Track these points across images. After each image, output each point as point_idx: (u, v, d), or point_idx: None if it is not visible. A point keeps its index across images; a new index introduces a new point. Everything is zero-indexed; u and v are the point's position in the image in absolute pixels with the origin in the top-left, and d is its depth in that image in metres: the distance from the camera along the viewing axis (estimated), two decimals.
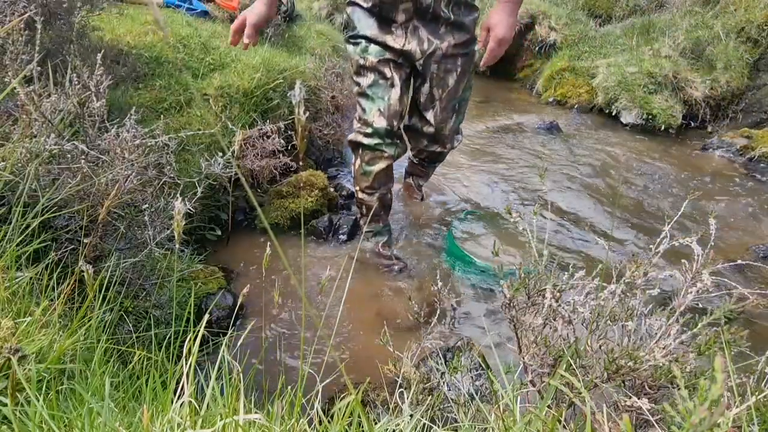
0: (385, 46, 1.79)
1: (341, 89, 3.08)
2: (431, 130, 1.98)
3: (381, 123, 1.83)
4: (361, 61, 1.81)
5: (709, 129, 3.89)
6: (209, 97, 2.30)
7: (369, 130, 1.86)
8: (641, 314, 0.90)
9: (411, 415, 0.92)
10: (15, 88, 1.21)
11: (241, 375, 0.86)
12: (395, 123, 1.87)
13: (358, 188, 2.04)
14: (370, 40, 1.79)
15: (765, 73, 3.78)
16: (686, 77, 3.88)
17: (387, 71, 1.81)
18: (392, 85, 1.82)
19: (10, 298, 0.99)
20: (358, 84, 1.86)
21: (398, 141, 1.95)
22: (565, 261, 2.12)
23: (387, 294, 1.90)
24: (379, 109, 1.83)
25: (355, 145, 1.93)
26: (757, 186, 2.99)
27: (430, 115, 1.94)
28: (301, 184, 2.30)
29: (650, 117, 3.83)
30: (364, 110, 1.86)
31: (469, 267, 1.99)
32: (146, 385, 0.90)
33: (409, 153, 2.28)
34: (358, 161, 1.95)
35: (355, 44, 1.82)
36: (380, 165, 1.92)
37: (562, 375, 0.75)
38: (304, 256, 2.08)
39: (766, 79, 3.76)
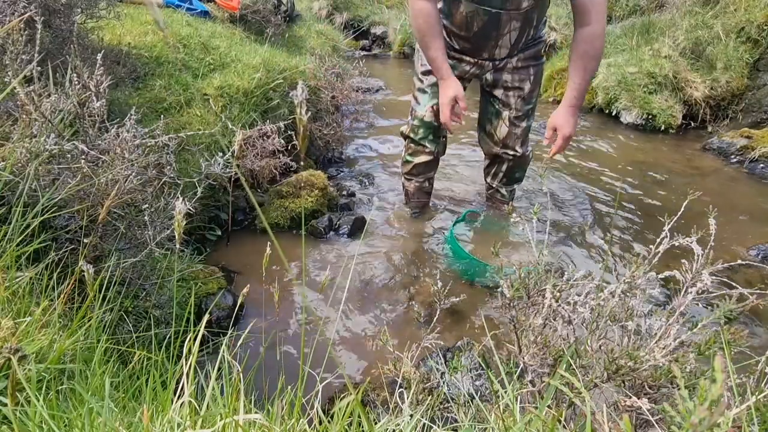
0: (460, 60, 2.00)
1: (341, 89, 3.08)
2: (504, 131, 2.12)
3: (430, 117, 2.06)
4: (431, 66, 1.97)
5: (709, 129, 3.88)
6: (209, 97, 2.30)
7: (417, 122, 2.11)
8: (641, 314, 0.90)
9: (411, 415, 0.92)
10: (15, 88, 1.21)
11: (241, 375, 0.86)
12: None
13: (401, 172, 2.34)
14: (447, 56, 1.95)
15: (765, 73, 3.78)
16: (686, 77, 3.87)
17: None
18: None
19: (10, 298, 0.99)
20: (421, 81, 2.07)
21: (442, 138, 2.17)
22: (565, 261, 2.12)
23: (387, 294, 1.90)
24: (432, 106, 2.05)
25: (404, 136, 2.21)
26: (757, 186, 2.99)
27: (505, 118, 2.10)
28: (301, 184, 2.30)
29: (650, 117, 3.83)
30: (418, 103, 2.09)
31: (469, 266, 1.99)
32: (146, 385, 0.90)
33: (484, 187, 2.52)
34: (404, 150, 2.25)
35: None
36: (421, 158, 2.20)
37: (562, 375, 0.75)
38: (304, 256, 2.08)
39: (766, 79, 3.76)
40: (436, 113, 2.03)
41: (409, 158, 2.23)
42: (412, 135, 2.14)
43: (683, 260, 0.91)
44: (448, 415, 1.11)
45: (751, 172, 3.12)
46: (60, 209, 1.21)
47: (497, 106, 2.09)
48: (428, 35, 1.83)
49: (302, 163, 2.53)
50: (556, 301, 0.92)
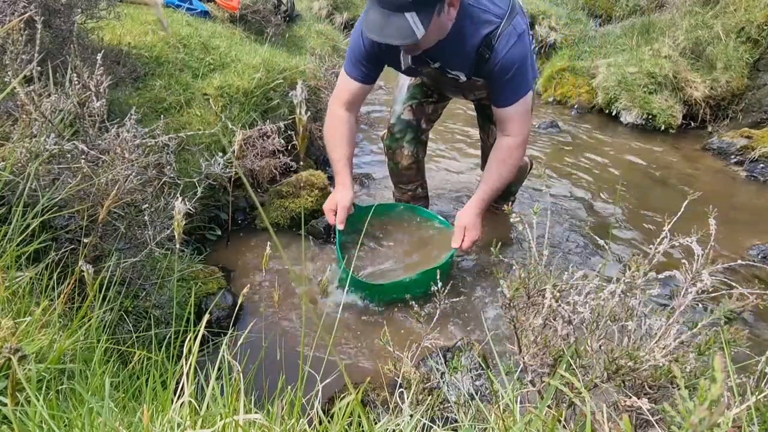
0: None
1: None
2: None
3: (408, 116, 2.03)
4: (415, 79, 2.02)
5: (709, 129, 3.88)
6: (209, 97, 2.30)
7: (394, 120, 2.05)
8: (641, 314, 0.90)
9: (411, 415, 0.92)
10: (15, 88, 1.21)
11: (241, 375, 0.86)
12: (422, 120, 2.05)
13: (393, 183, 2.26)
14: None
15: (765, 73, 3.77)
16: (686, 77, 3.87)
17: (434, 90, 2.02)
18: (431, 96, 2.02)
19: (10, 298, 0.99)
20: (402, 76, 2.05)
21: (423, 139, 2.11)
22: (565, 261, 2.12)
23: None
24: (411, 105, 2.02)
25: (383, 140, 2.13)
26: (757, 186, 2.99)
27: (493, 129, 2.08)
28: (301, 184, 2.30)
29: (650, 117, 3.83)
30: (396, 101, 2.07)
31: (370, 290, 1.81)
32: (146, 385, 0.90)
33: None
34: (387, 159, 2.17)
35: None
36: (403, 162, 2.11)
37: (562, 375, 0.75)
38: (304, 256, 2.08)
39: (766, 79, 3.75)
40: (415, 111, 2.02)
41: (393, 165, 2.15)
42: (389, 135, 2.07)
43: (683, 260, 0.91)
44: (448, 415, 1.11)
45: (751, 172, 3.12)
46: (60, 209, 1.21)
47: (488, 111, 2.05)
48: (334, 140, 1.83)
49: (302, 162, 2.53)
50: (556, 301, 0.92)
